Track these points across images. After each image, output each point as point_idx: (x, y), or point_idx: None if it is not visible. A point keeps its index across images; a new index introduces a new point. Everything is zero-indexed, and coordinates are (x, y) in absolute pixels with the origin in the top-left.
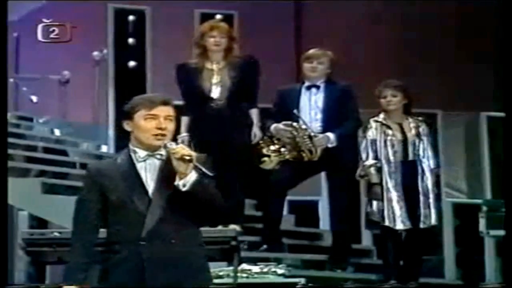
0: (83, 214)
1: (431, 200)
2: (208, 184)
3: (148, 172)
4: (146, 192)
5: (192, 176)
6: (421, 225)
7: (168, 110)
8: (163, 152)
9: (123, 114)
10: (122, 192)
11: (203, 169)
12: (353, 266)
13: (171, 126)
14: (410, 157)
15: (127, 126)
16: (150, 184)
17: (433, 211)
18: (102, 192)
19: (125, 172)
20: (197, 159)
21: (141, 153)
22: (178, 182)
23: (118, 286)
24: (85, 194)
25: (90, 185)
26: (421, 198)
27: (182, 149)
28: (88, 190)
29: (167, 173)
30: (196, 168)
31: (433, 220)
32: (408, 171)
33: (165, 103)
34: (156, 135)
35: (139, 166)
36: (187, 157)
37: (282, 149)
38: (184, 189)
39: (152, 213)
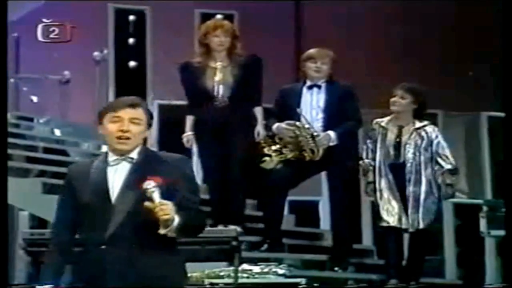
0: (58, 214)
1: (420, 204)
2: (192, 216)
3: (116, 176)
4: (110, 196)
5: (175, 222)
6: (410, 229)
7: (134, 113)
8: (134, 155)
9: (97, 117)
10: (89, 194)
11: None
12: (354, 266)
13: (136, 129)
14: (402, 159)
15: (100, 129)
16: (115, 189)
17: (420, 215)
18: (74, 194)
19: (95, 175)
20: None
21: (111, 156)
22: (162, 231)
23: (82, 286)
24: (62, 195)
25: (65, 185)
26: (411, 201)
27: (160, 210)
28: (64, 191)
29: (134, 177)
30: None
31: (421, 225)
32: (399, 173)
33: (132, 105)
34: (119, 137)
35: (109, 169)
36: (167, 222)
37: (284, 149)
38: (170, 235)
39: (114, 218)
